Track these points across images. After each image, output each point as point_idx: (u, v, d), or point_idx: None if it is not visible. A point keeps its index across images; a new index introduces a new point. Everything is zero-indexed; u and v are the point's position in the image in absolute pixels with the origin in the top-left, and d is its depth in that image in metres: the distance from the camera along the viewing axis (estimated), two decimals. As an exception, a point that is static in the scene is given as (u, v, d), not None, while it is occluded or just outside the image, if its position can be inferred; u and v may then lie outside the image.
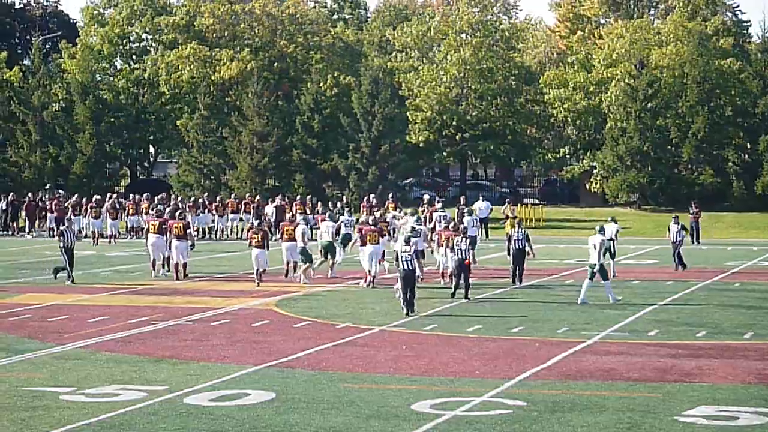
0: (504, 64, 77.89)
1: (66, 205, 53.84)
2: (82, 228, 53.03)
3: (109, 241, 51.69)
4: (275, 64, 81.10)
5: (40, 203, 58.21)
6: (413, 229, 33.61)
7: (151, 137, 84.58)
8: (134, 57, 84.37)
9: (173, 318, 27.07)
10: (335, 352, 22.48)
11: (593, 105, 73.99)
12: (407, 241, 28.10)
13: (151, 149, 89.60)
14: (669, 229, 39.35)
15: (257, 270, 34.26)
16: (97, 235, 51.86)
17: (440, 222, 38.31)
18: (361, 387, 18.93)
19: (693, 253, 46.20)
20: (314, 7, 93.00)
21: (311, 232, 39.77)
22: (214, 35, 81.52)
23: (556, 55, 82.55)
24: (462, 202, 52.34)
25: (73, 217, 49.93)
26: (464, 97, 76.22)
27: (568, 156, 79.41)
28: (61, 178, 74.70)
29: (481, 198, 53.22)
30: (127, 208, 55.07)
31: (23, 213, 58.28)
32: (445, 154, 79.79)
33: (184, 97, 79.56)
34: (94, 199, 54.61)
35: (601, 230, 30.65)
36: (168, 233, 36.17)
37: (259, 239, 34.39)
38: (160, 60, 79.54)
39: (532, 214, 64.09)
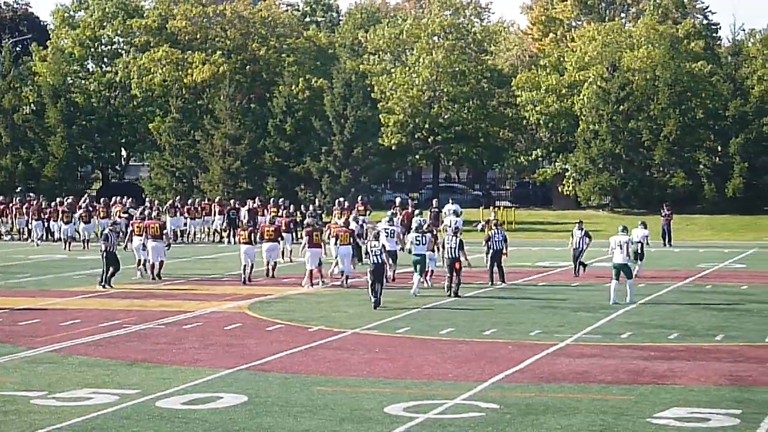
0: (476, 66, 78.05)
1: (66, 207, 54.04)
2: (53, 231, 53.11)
3: (83, 246, 51.38)
4: (248, 67, 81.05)
5: (11, 205, 57.91)
6: (387, 227, 34.98)
7: (123, 140, 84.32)
8: (106, 60, 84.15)
9: (146, 321, 26.97)
10: (308, 355, 22.44)
11: (565, 108, 74.22)
12: (376, 237, 30.35)
13: (123, 152, 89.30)
14: (573, 235, 37.55)
15: (244, 266, 35.44)
16: (69, 240, 51.59)
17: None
18: (335, 390, 18.91)
19: (665, 256, 46.43)
20: (286, 10, 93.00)
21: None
22: (187, 38, 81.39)
23: (528, 57, 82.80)
24: (435, 205, 52.39)
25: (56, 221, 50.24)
26: (437, 100, 76.32)
27: (540, 159, 79.64)
28: (33, 182, 74.38)
29: (450, 201, 52.94)
30: (98, 212, 54.87)
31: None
32: (417, 157, 79.82)
33: (156, 100, 79.41)
34: (66, 203, 54.38)
35: (624, 230, 30.89)
36: (146, 234, 36.88)
37: (247, 236, 35.87)
38: (132, 63, 79.37)
39: (505, 216, 64.16)
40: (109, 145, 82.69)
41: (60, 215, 52.85)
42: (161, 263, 36.93)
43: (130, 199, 56.08)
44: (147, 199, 60.31)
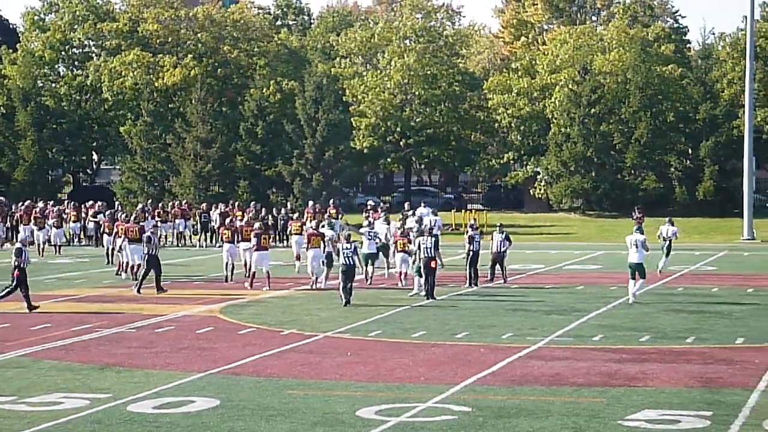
0: (448, 70, 78.18)
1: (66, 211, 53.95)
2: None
3: (56, 251, 50.94)
4: (219, 71, 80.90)
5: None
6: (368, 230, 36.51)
7: (95, 144, 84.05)
8: (77, 63, 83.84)
9: (117, 325, 26.86)
10: (280, 358, 22.40)
11: (537, 111, 74.43)
12: (347, 239, 30.90)
13: (95, 156, 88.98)
14: (492, 238, 36.16)
15: (226, 263, 36.44)
16: (42, 245, 51.18)
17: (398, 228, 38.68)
18: (307, 394, 18.88)
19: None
20: (258, 14, 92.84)
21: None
22: (158, 41, 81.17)
23: (500, 61, 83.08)
24: (407, 208, 52.25)
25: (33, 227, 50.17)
26: (408, 103, 76.40)
27: (512, 162, 79.78)
28: (3, 186, 74.03)
29: (422, 204, 52.33)
30: (69, 216, 54.67)
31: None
32: (389, 160, 79.89)
33: (127, 103, 79.17)
34: (38, 208, 54.00)
35: (639, 229, 30.94)
36: (124, 236, 37.65)
37: (230, 235, 36.59)
38: (102, 66, 79.09)
39: (478, 220, 64.09)
40: (80, 148, 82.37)
41: (33, 220, 52.43)
42: (140, 265, 36.89)
43: (102, 203, 55.85)
44: (117, 202, 59.98)
